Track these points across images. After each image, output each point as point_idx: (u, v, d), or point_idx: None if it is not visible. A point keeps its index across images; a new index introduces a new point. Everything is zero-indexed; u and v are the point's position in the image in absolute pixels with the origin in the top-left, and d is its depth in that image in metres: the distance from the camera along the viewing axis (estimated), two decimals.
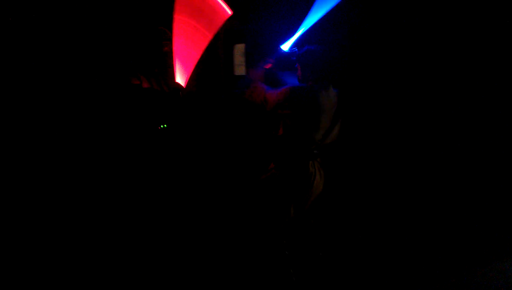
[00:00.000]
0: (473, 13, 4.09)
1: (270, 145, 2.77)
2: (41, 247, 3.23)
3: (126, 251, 3.07)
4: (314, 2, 2.93)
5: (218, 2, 2.82)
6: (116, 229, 3.20)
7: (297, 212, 2.63)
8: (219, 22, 2.74)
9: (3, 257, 3.08)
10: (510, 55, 4.08)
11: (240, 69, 5.04)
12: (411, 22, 4.18)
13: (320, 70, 2.60)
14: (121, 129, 2.98)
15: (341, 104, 2.68)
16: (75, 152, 3.52)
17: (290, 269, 2.67)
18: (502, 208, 3.89)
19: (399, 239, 3.48)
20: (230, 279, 2.92)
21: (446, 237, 3.51)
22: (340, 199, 3.87)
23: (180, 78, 2.74)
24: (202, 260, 3.09)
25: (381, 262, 3.12)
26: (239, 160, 4.11)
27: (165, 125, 2.68)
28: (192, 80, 3.04)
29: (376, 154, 4.49)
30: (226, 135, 4.15)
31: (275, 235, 2.61)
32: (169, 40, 2.80)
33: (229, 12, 2.82)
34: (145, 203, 3.05)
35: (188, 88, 2.90)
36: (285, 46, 2.95)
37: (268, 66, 2.97)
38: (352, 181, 4.22)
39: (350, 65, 4.22)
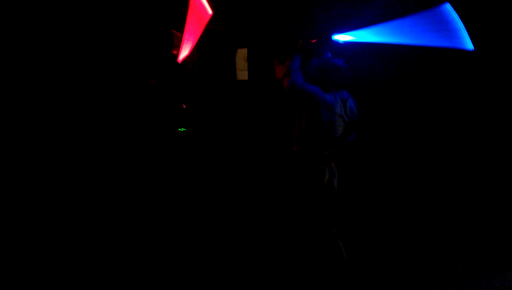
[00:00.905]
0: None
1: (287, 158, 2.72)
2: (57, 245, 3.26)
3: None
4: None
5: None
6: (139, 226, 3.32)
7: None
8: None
9: (3, 257, 3.07)
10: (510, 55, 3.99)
11: (242, 74, 5.21)
12: None
13: (333, 82, 2.66)
14: (140, 131, 3.12)
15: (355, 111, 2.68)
16: (91, 151, 3.62)
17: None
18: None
19: (404, 247, 3.37)
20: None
21: (454, 245, 3.43)
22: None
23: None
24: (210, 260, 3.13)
25: (384, 270, 3.07)
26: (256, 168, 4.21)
27: (183, 129, 2.85)
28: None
29: (380, 159, 4.43)
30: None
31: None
32: (177, 44, 2.99)
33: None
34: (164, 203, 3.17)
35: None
36: (340, 37, 2.69)
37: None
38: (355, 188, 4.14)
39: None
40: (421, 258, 3.23)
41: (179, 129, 2.97)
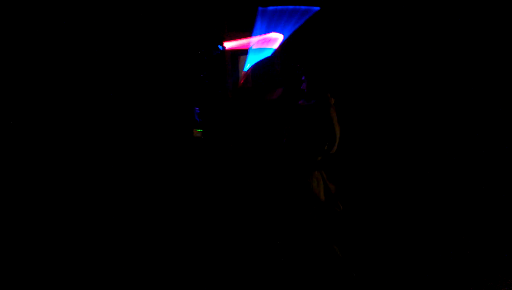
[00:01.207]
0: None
1: (277, 153, 2.81)
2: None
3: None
4: None
5: None
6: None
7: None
8: None
9: (4, 257, 3.07)
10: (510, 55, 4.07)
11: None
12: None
13: (327, 82, 2.73)
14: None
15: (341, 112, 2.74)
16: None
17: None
18: None
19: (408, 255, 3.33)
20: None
21: (455, 248, 3.40)
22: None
23: None
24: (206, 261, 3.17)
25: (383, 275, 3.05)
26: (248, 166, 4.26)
27: (200, 130, 2.88)
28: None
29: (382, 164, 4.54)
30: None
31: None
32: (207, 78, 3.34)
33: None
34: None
35: None
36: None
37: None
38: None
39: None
40: (421, 263, 3.24)
41: (197, 130, 3.03)
